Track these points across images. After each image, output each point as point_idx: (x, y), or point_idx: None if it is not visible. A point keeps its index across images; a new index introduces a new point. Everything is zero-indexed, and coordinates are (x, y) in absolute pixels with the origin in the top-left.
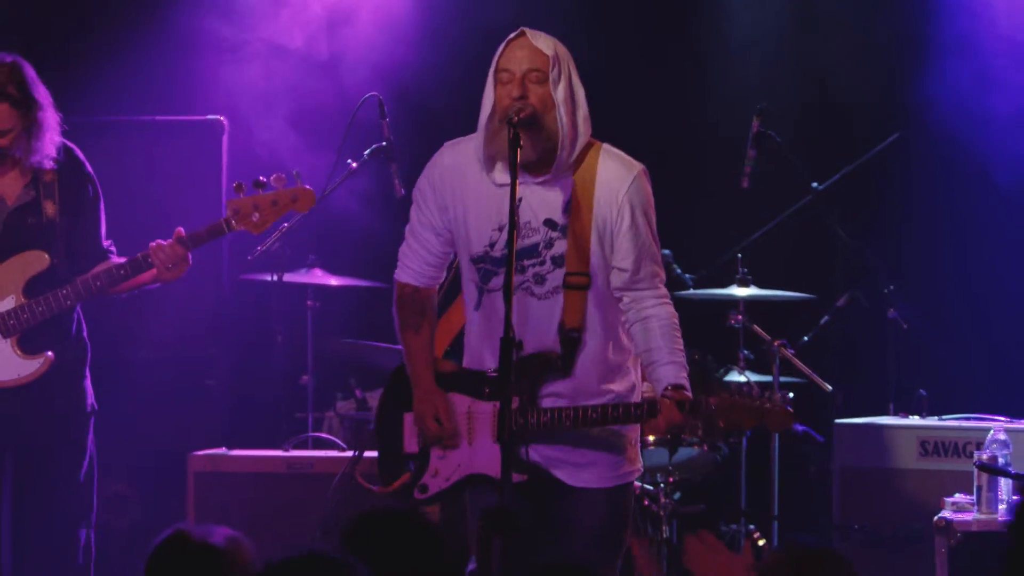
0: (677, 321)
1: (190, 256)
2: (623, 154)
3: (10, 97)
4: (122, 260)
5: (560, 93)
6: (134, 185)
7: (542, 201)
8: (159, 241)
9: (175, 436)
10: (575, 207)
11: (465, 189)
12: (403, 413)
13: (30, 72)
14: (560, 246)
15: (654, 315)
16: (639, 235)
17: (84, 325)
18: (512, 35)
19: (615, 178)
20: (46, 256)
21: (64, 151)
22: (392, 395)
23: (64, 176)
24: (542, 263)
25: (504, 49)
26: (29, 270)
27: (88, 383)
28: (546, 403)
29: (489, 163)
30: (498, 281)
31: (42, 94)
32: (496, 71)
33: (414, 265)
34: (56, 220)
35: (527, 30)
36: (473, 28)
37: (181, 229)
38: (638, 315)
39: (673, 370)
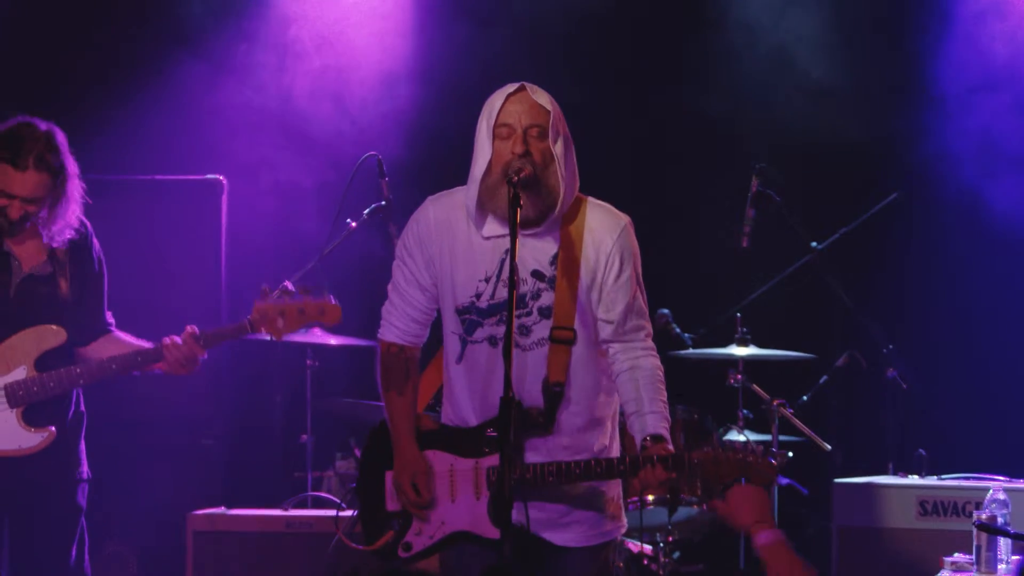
0: (662, 374)
1: (204, 355)
2: (610, 206)
3: (49, 167)
4: (132, 342)
5: (559, 148)
6: (134, 244)
7: (530, 252)
8: (173, 338)
9: (174, 495)
10: (563, 259)
11: (451, 241)
12: (385, 471)
13: (63, 141)
14: (547, 297)
15: (640, 366)
16: (627, 286)
17: (82, 396)
18: (511, 89)
19: (603, 229)
20: (64, 332)
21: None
22: (373, 454)
23: (75, 252)
24: (528, 313)
25: (504, 103)
26: (44, 344)
27: (83, 450)
28: (528, 458)
29: (480, 217)
30: (482, 332)
31: (71, 164)
32: (495, 125)
33: (399, 323)
34: (68, 297)
35: (527, 84)
36: (479, 89)
37: (195, 328)
38: (623, 366)
39: (653, 420)
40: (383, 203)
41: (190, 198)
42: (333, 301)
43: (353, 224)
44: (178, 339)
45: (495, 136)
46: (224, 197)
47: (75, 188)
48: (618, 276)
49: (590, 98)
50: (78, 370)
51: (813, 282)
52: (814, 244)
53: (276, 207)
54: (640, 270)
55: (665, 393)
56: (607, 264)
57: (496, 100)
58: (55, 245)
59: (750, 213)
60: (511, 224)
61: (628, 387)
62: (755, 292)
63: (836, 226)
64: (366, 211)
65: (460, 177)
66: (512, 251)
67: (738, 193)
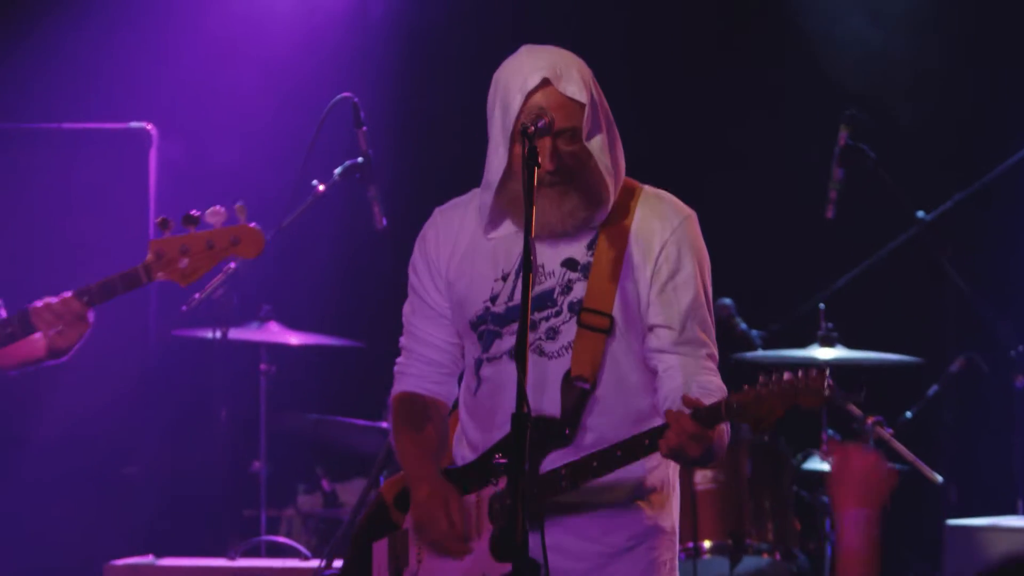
0: (724, 395)
1: (91, 315)
2: (671, 196)
3: None
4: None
5: (597, 144)
6: (43, 206)
7: (562, 242)
8: (47, 299)
9: (86, 540)
10: (605, 243)
11: (461, 248)
12: (372, 543)
13: None
14: (580, 289)
15: (695, 381)
16: (687, 287)
17: None
18: (531, 84)
19: (658, 219)
20: None
21: None
22: (361, 532)
23: None
24: (557, 312)
25: (525, 103)
26: None
27: None
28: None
29: (495, 222)
30: (500, 345)
31: None
32: (515, 130)
33: (414, 370)
34: None
35: (550, 75)
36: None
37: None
38: (675, 384)
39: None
40: (360, 160)
41: (111, 151)
42: (252, 225)
43: (321, 187)
44: (52, 299)
45: (515, 141)
46: (153, 150)
47: None
48: (675, 272)
49: (638, 39)
50: None
51: (919, 264)
52: (920, 214)
53: (219, 163)
54: (708, 277)
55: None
56: (661, 255)
57: (512, 96)
58: None
59: (837, 174)
60: (526, 187)
61: (675, 396)
62: (844, 277)
63: (949, 191)
64: (338, 170)
65: (458, 128)
66: (527, 221)
67: (823, 148)
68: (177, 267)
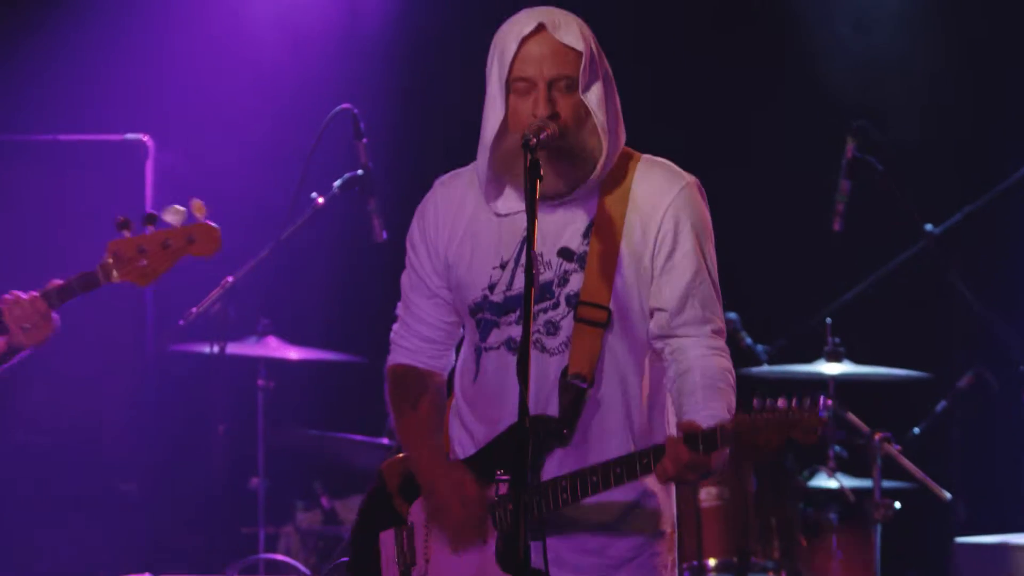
0: (732, 378)
1: (56, 316)
2: (670, 164)
3: None
4: None
5: (595, 97)
6: (39, 218)
7: (557, 227)
8: (16, 293)
9: (83, 557)
10: (599, 230)
11: (461, 226)
12: (378, 533)
13: None
14: (577, 281)
15: (699, 366)
16: (686, 263)
17: None
18: (526, 29)
19: (656, 192)
20: None
21: None
22: (365, 517)
23: None
24: (555, 305)
25: (519, 50)
26: None
27: None
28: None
29: (494, 190)
30: (497, 335)
31: None
32: (509, 78)
33: (408, 344)
34: None
35: (546, 21)
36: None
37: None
38: (679, 368)
39: (700, 416)
40: (360, 172)
41: (108, 162)
42: (208, 222)
43: (320, 200)
44: (22, 294)
45: (510, 90)
46: (149, 162)
47: None
48: (673, 250)
49: (638, 50)
50: None
51: (927, 277)
52: (928, 227)
53: (217, 176)
54: (710, 246)
55: (732, 397)
56: (659, 235)
57: (508, 43)
58: None
59: (845, 186)
60: (528, 201)
61: (679, 395)
62: (851, 291)
63: (958, 204)
64: (338, 182)
65: (457, 137)
66: (529, 235)
67: (830, 160)
68: (136, 267)
